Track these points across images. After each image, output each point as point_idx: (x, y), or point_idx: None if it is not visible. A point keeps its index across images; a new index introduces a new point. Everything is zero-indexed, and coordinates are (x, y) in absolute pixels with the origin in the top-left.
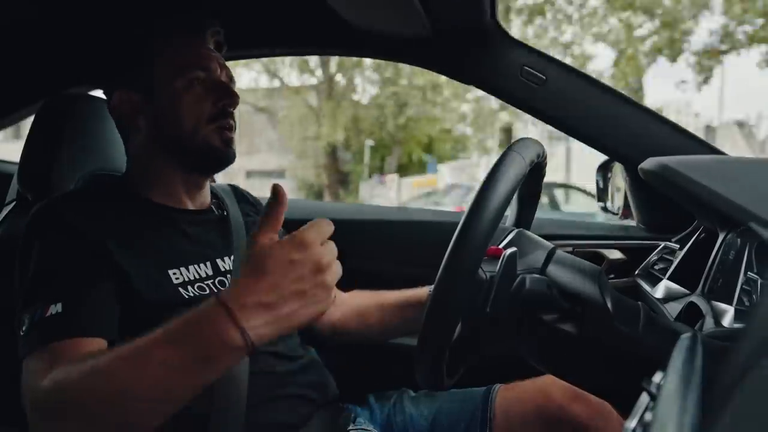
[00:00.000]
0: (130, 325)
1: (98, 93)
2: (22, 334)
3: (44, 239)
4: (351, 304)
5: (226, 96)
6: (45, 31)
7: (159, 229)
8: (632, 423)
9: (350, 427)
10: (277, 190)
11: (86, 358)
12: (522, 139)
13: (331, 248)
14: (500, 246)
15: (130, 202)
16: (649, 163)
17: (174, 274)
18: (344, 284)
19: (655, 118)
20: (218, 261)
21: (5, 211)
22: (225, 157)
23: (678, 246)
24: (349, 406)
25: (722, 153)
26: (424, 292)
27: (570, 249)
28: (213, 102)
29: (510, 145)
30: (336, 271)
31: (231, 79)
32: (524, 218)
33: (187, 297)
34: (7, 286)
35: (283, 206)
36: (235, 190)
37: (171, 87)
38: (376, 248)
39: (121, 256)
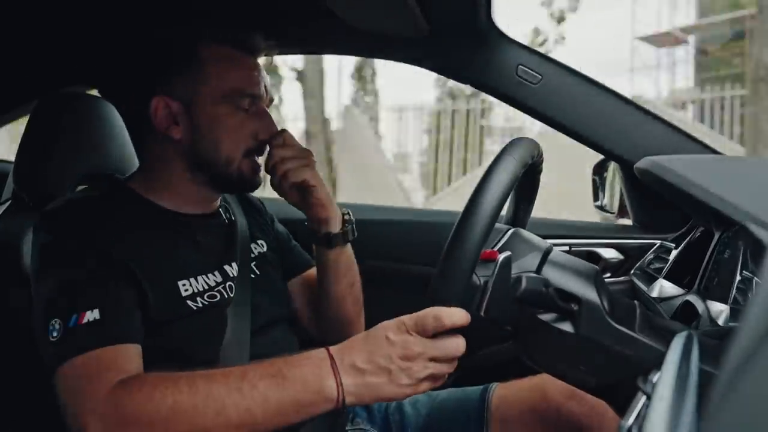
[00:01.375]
0: None
1: (93, 92)
2: (53, 339)
3: (64, 244)
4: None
5: (266, 130)
6: (42, 29)
7: (168, 237)
8: (628, 422)
9: (348, 427)
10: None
11: (169, 376)
12: (516, 140)
13: (437, 345)
14: (496, 246)
15: (138, 206)
16: (644, 163)
17: (183, 285)
18: None
19: (651, 117)
20: (225, 267)
21: (0, 210)
22: (252, 185)
23: (674, 245)
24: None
25: (718, 152)
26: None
27: (566, 248)
28: (252, 134)
29: (504, 147)
30: (429, 367)
31: (272, 101)
32: (520, 217)
33: (195, 308)
34: (2, 285)
35: (442, 328)
36: (241, 196)
37: (215, 108)
38: (375, 247)
39: (135, 264)
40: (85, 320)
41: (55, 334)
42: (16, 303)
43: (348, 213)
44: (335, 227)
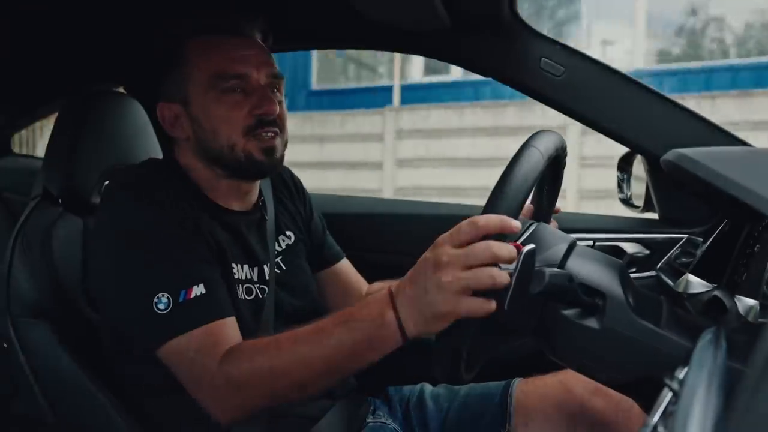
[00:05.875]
0: None
1: (120, 89)
2: (161, 312)
3: (157, 214)
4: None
5: (261, 104)
6: (68, 28)
7: (219, 224)
8: (654, 418)
9: (369, 420)
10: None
11: (265, 344)
12: (541, 132)
13: (466, 252)
14: (520, 240)
15: (195, 191)
16: (671, 155)
17: (234, 268)
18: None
19: (677, 108)
20: (264, 267)
21: (31, 206)
22: (267, 169)
23: (701, 239)
24: (368, 398)
25: (747, 144)
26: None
27: (590, 243)
28: (249, 110)
29: (528, 139)
30: (462, 278)
31: (275, 76)
32: (543, 211)
33: (238, 296)
34: (33, 277)
35: (476, 235)
36: (277, 179)
37: (204, 98)
38: (393, 241)
39: (209, 240)
40: (193, 295)
41: (162, 307)
42: (46, 294)
43: None
44: None
